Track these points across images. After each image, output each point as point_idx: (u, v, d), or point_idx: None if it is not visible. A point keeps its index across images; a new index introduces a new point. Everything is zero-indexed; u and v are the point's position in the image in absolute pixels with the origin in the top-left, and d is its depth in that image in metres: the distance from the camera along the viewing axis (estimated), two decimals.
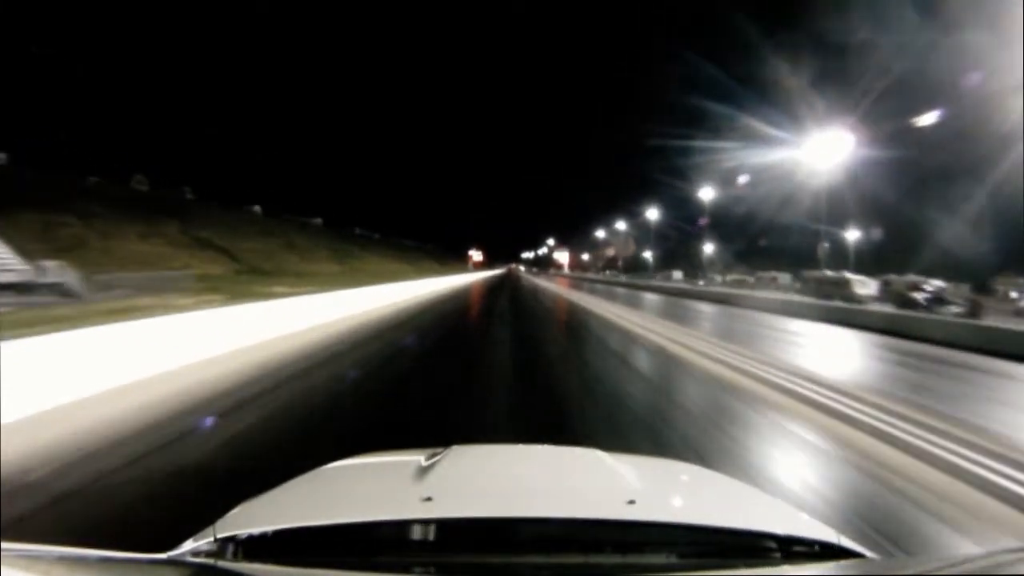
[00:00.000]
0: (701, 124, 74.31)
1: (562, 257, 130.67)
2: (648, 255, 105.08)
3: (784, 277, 41.53)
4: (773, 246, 72.11)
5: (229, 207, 46.95)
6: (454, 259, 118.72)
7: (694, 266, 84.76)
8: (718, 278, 51.63)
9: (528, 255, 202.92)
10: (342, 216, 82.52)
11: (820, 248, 47.09)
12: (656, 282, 47.36)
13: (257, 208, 54.90)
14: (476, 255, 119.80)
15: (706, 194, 52.13)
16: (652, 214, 74.01)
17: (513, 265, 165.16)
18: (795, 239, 62.96)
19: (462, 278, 47.84)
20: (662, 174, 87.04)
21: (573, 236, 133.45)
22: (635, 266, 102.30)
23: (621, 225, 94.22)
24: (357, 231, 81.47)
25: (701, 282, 48.08)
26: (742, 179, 51.95)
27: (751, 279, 45.09)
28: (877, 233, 43.90)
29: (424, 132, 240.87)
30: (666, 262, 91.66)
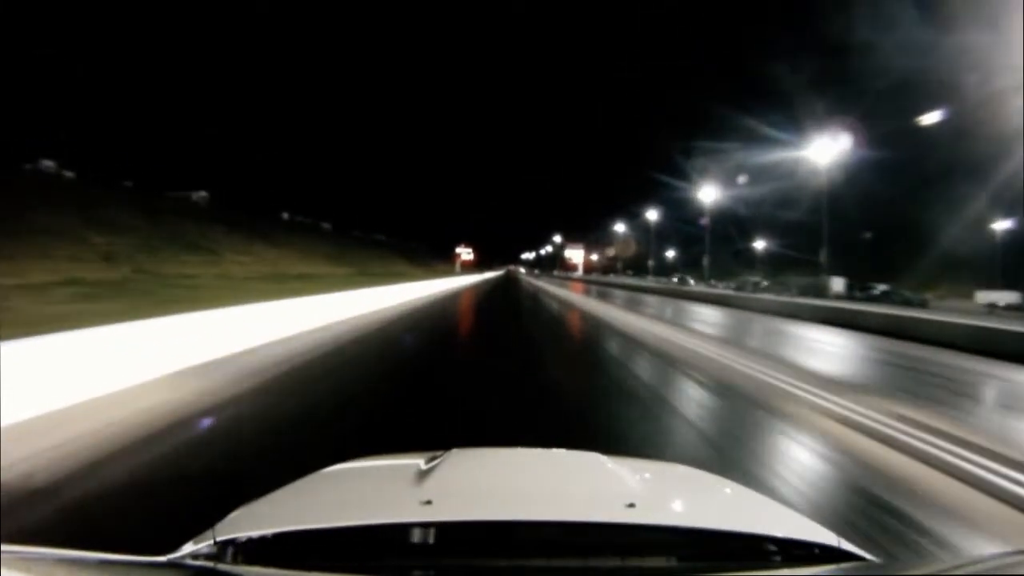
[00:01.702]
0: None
1: (575, 255, 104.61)
2: (670, 254, 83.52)
3: None
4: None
5: None
6: (441, 260, 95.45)
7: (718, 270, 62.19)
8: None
9: (529, 256, 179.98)
10: (293, 204, 59.73)
11: None
12: (800, 299, 22.91)
13: (48, 163, 31.31)
14: (465, 253, 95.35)
15: (823, 151, 28.06)
16: (707, 194, 49.30)
17: (512, 267, 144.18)
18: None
19: (428, 288, 25.04)
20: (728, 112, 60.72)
21: (587, 232, 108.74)
22: (663, 268, 79.79)
23: (652, 214, 69.11)
24: (285, 216, 57.97)
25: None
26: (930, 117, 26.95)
27: None
28: None
29: (420, 129, 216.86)
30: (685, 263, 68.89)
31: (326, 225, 66.66)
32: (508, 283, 47.28)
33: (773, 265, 64.68)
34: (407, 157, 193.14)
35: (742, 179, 46.72)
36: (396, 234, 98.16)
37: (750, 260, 68.60)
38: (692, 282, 46.21)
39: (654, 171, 78.44)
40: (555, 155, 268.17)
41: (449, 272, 69.66)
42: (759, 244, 69.59)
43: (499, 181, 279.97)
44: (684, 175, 53.26)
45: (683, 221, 68.27)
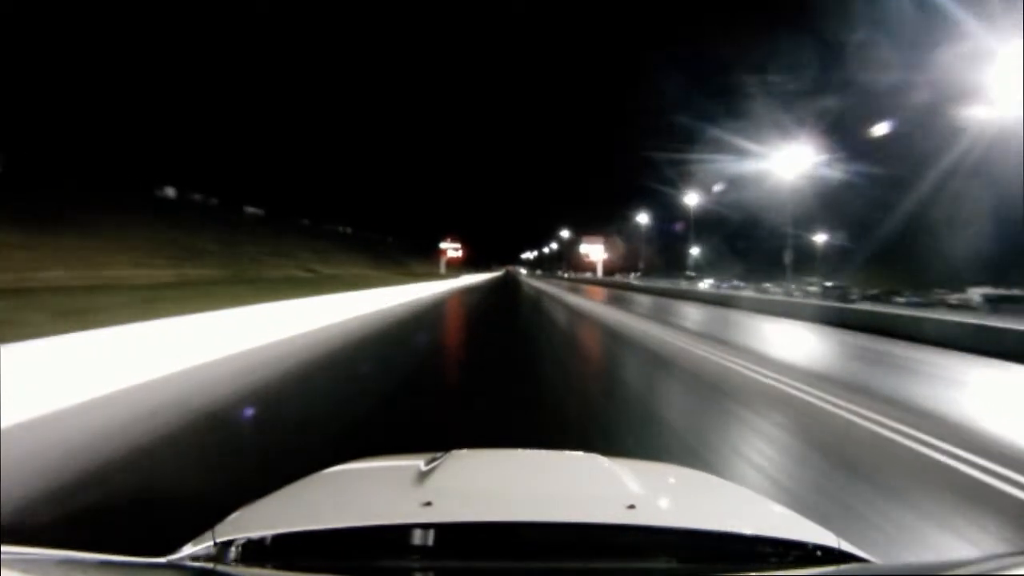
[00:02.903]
0: None
1: (593, 251, 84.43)
2: (694, 251, 65.10)
3: None
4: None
5: None
6: (423, 258, 78.07)
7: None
8: None
9: (530, 255, 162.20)
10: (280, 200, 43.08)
11: None
12: None
13: None
14: (452, 249, 77.33)
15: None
16: (790, 162, 30.77)
17: (511, 267, 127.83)
18: None
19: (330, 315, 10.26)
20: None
21: (604, 224, 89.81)
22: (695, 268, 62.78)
23: (692, 199, 50.81)
24: (197, 197, 40.32)
25: None
26: None
27: None
28: None
29: (411, 117, 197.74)
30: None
31: (255, 210, 49.05)
32: (507, 289, 36.39)
33: (831, 264, 48.54)
34: (395, 146, 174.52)
35: (879, 129, 29.00)
36: (380, 229, 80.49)
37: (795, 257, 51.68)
38: (856, 293, 29.01)
39: (692, 118, 59.09)
40: (562, 134, 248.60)
41: (431, 275, 52.33)
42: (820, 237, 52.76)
43: (498, 173, 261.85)
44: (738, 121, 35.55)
45: (724, 205, 51.33)
